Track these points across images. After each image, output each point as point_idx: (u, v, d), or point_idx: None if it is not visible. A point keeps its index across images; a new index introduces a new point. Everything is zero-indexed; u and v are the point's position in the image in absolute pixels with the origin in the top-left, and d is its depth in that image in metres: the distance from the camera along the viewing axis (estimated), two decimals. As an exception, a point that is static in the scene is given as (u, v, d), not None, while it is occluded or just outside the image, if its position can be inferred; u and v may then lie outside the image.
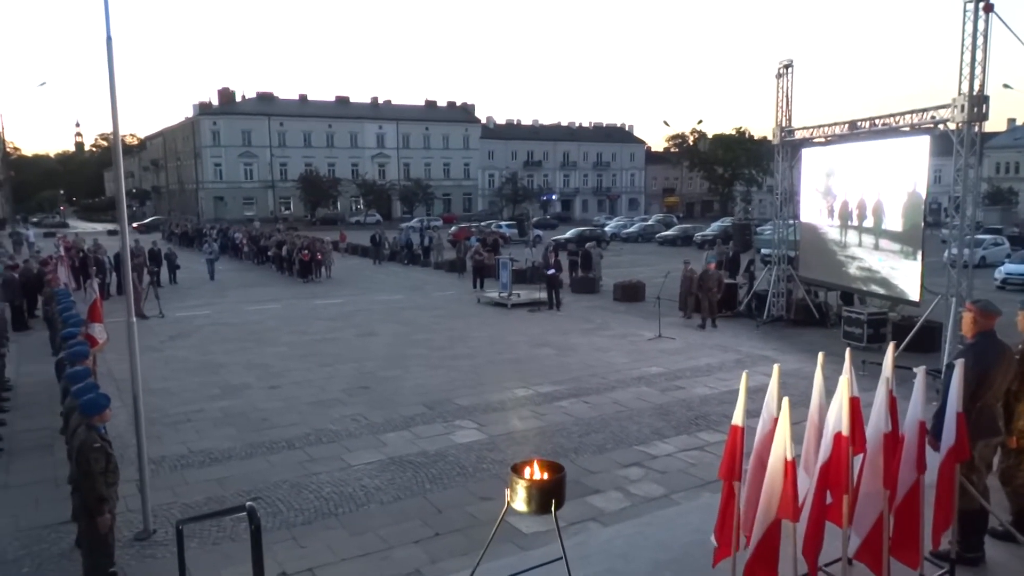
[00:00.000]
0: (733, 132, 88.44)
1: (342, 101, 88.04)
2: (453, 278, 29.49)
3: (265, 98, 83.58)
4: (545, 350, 15.35)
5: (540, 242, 40.36)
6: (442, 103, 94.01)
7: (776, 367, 4.52)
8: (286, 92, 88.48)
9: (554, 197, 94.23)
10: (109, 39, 6.40)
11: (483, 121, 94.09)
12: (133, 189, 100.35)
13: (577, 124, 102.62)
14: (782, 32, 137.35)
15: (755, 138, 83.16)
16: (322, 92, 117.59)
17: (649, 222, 61.30)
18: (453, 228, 50.89)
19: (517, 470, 4.02)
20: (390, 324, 18.70)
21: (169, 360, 14.68)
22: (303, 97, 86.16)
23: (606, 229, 55.80)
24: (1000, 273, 27.40)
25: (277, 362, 14.40)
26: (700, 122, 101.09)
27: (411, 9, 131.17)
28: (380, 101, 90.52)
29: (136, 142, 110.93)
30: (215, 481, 8.27)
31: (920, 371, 4.60)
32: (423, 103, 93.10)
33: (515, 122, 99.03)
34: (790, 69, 18.34)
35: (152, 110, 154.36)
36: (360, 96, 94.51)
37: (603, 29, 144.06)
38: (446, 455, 9.01)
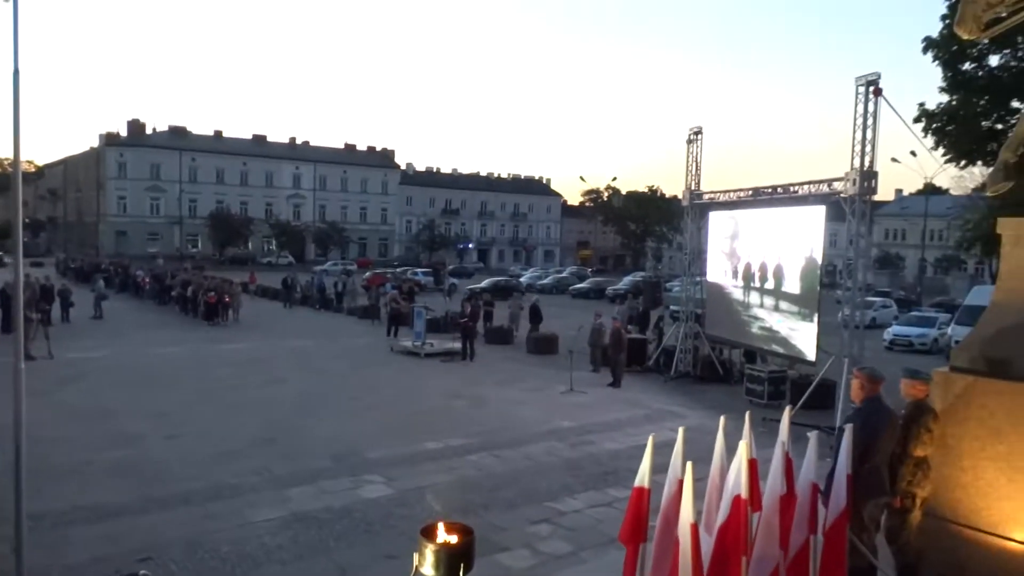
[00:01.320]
0: (646, 190, 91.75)
1: (259, 139, 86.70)
2: (366, 325, 29.09)
3: (178, 132, 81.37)
4: (458, 402, 15.28)
5: (456, 291, 40.40)
6: (362, 147, 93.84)
7: (681, 430, 4.66)
8: (201, 127, 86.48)
9: (471, 246, 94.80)
10: (16, 72, 6.15)
11: (403, 167, 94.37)
12: (27, 219, 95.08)
13: (496, 175, 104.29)
14: (694, 99, 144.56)
15: (667, 196, 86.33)
16: (239, 129, 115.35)
17: (563, 274, 62.39)
18: (368, 273, 50.36)
19: (426, 533, 3.98)
20: (299, 371, 18.23)
21: (57, 406, 13.79)
22: (218, 133, 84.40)
23: (522, 280, 56.40)
24: (888, 335, 29.11)
25: (177, 410, 13.77)
26: (615, 179, 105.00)
27: (333, 51, 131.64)
28: (298, 141, 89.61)
29: (33, 169, 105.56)
30: (102, 539, 7.78)
31: (813, 435, 4.84)
32: (342, 146, 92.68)
33: (435, 169, 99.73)
34: (700, 136, 19.28)
35: (53, 137, 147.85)
36: (278, 135, 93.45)
37: (524, 83, 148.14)
38: (352, 511, 8.77)
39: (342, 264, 64.30)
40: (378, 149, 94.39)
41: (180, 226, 78.35)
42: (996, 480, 5.36)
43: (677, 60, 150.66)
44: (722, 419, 5.06)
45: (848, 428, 4.87)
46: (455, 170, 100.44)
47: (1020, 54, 19.96)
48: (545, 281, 58.05)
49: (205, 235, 77.18)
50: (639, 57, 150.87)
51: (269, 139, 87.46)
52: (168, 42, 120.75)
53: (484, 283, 47.33)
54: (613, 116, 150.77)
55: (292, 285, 36.82)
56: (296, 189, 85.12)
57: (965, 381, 5.62)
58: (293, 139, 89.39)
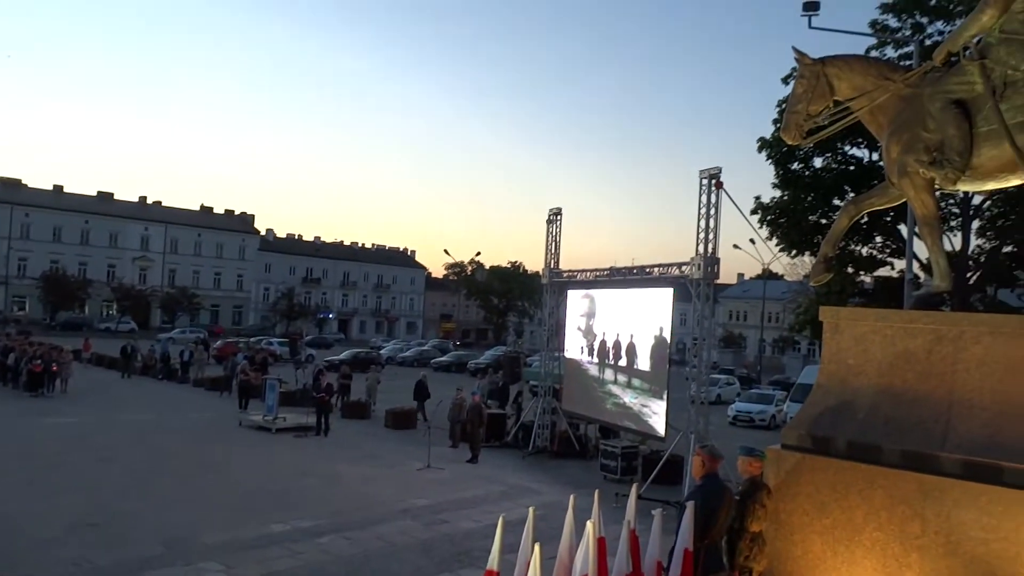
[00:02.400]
0: (509, 265, 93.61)
1: (105, 196, 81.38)
2: (214, 397, 27.45)
3: (10, 184, 74.96)
4: (308, 480, 14.57)
5: (313, 362, 39.07)
6: (220, 210, 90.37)
7: (531, 510, 4.66)
8: (38, 180, 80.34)
9: (331, 316, 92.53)
10: None
11: (262, 233, 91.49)
12: None
13: (360, 244, 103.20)
14: (556, 178, 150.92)
15: (529, 272, 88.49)
16: (82, 185, 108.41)
17: (425, 347, 61.98)
18: (219, 342, 47.81)
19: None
20: (134, 448, 16.81)
21: None
22: (58, 188, 78.68)
23: (382, 352, 55.47)
24: (732, 411, 30.82)
25: (-17, 492, 12.27)
26: (479, 254, 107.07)
27: (191, 108, 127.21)
28: (149, 201, 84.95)
29: None
30: None
31: (657, 513, 4.98)
32: (198, 208, 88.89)
33: (296, 237, 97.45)
34: (559, 216, 20.05)
35: None
36: (127, 194, 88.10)
37: (390, 155, 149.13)
38: (184, 603, 8.05)
39: (192, 332, 60.72)
40: (237, 213, 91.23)
41: (6, 287, 71.55)
42: (823, 553, 5.69)
43: (538, 140, 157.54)
44: (572, 497, 5.12)
45: (689, 505, 5.05)
46: (318, 238, 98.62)
47: (839, 158, 22.39)
48: (407, 354, 57.39)
49: (35, 297, 70.82)
50: (503, 136, 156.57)
51: (116, 197, 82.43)
52: (3, 84, 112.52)
53: (343, 355, 46.14)
54: (479, 191, 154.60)
55: (132, 353, 34.22)
56: (144, 251, 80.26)
57: (794, 458, 6.00)
58: (143, 198, 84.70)
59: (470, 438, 18.01)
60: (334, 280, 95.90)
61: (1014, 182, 6.03)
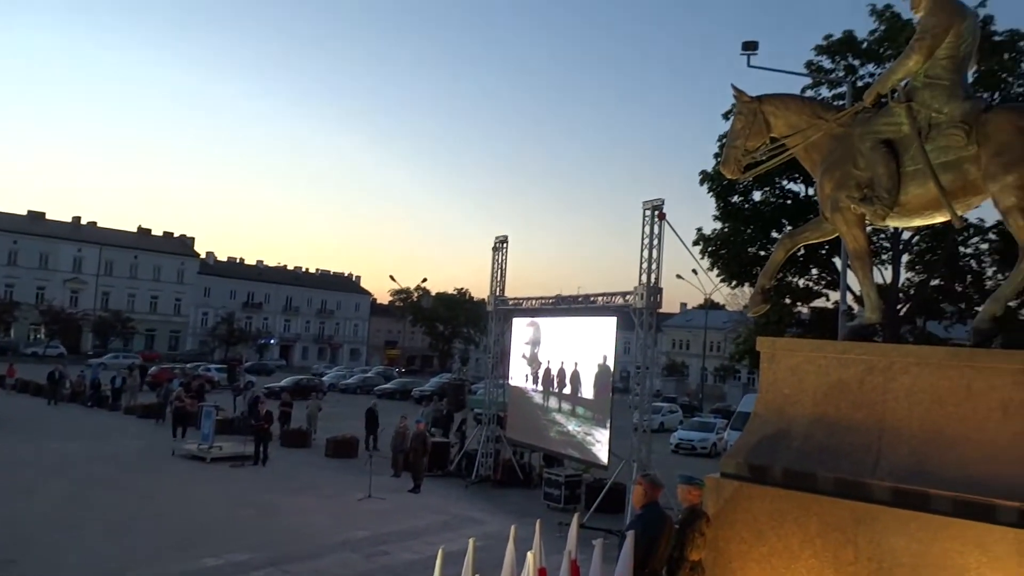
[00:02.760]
0: (455, 292, 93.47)
1: (35, 216, 78.42)
2: (148, 425, 26.51)
3: (-66, 203, 71.91)
4: (244, 511, 14.15)
5: (252, 388, 38.11)
6: (158, 232, 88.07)
7: (471, 541, 4.60)
8: (-36, 200, 76.99)
9: (273, 341, 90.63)
10: None
11: (202, 256, 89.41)
12: None
13: (304, 269, 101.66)
14: (503, 206, 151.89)
15: (475, 299, 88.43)
16: (11, 204, 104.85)
17: (369, 374, 61.17)
18: (154, 368, 46.31)
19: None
20: (57, 479, 16.07)
21: None
22: (-15, 207, 75.56)
23: (324, 379, 54.53)
24: (674, 439, 31.14)
25: None
26: (425, 280, 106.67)
27: (129, 127, 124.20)
28: (83, 221, 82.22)
29: None
30: None
31: (598, 543, 4.97)
32: (135, 229, 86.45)
33: (238, 260, 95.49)
34: (505, 244, 20.13)
35: None
36: (59, 213, 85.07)
37: (333, 177, 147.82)
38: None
39: (125, 357, 58.68)
40: (176, 235, 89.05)
41: (-79, 309, 68.19)
42: (760, 580, 5.75)
43: (486, 167, 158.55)
44: (512, 528, 5.08)
45: (630, 534, 5.07)
46: (260, 262, 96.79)
47: (777, 192, 23.12)
48: (350, 380, 56.55)
49: (-44, 321, 67.66)
50: (450, 163, 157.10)
51: (48, 216, 79.59)
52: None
53: (284, 381, 45.21)
54: (426, 217, 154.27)
55: (60, 379, 32.81)
56: (76, 273, 77.48)
57: (733, 486, 6.07)
58: (77, 218, 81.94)
59: (412, 467, 17.76)
60: (276, 305, 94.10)
61: (939, 219, 6.30)
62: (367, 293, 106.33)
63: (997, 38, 20.17)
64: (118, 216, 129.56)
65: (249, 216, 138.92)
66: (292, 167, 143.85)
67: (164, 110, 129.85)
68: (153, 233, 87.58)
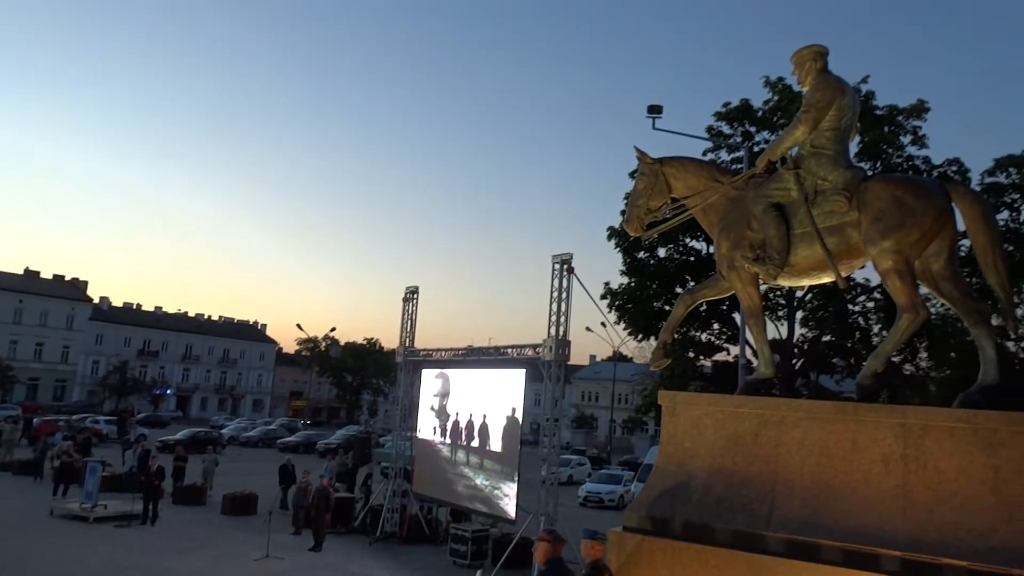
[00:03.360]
0: (364, 342, 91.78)
1: (-93, 257, 73.03)
2: (24, 483, 24.57)
3: None
4: (129, 575, 13.22)
5: (144, 441, 36.07)
6: (47, 275, 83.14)
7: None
8: None
9: (169, 392, 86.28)
10: None
11: (96, 301, 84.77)
12: None
13: (206, 316, 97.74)
14: (414, 258, 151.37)
15: (385, 350, 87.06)
16: None
17: (272, 426, 58.93)
18: (36, 420, 43.20)
19: None
20: (-83, 543, 14.65)
21: None
22: None
23: (223, 431, 52.14)
24: (582, 491, 31.15)
25: None
26: (333, 329, 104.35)
27: (16, 162, 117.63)
28: (-37, 263, 76.85)
29: None
30: None
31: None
32: (21, 271, 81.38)
33: (135, 306, 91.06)
34: (415, 295, 20.02)
35: None
36: (-65, 254, 79.49)
37: (239, 222, 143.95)
38: None
39: (2, 409, 54.54)
40: (67, 279, 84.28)
41: None
42: (661, 635, 5.77)
43: (397, 219, 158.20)
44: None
45: (533, 592, 5.01)
46: (159, 308, 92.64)
47: (681, 249, 23.99)
48: (251, 433, 54.21)
49: None
50: (361, 214, 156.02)
51: (-78, 257, 74.19)
52: None
53: (180, 434, 42.97)
54: (335, 266, 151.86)
55: (-73, 433, 30.15)
56: (-48, 318, 72.14)
57: (635, 540, 6.12)
58: (-44, 260, 76.75)
59: (314, 524, 17.09)
60: (174, 353, 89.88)
61: (826, 279, 6.67)
62: (273, 342, 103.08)
63: (878, 112, 21.83)
64: (3, 258, 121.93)
65: (149, 261, 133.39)
66: (194, 210, 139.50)
67: (51, 144, 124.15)
68: (42, 276, 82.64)
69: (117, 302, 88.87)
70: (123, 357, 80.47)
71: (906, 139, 22.14)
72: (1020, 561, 4.81)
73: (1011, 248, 20.87)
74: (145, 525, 18.04)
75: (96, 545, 15.65)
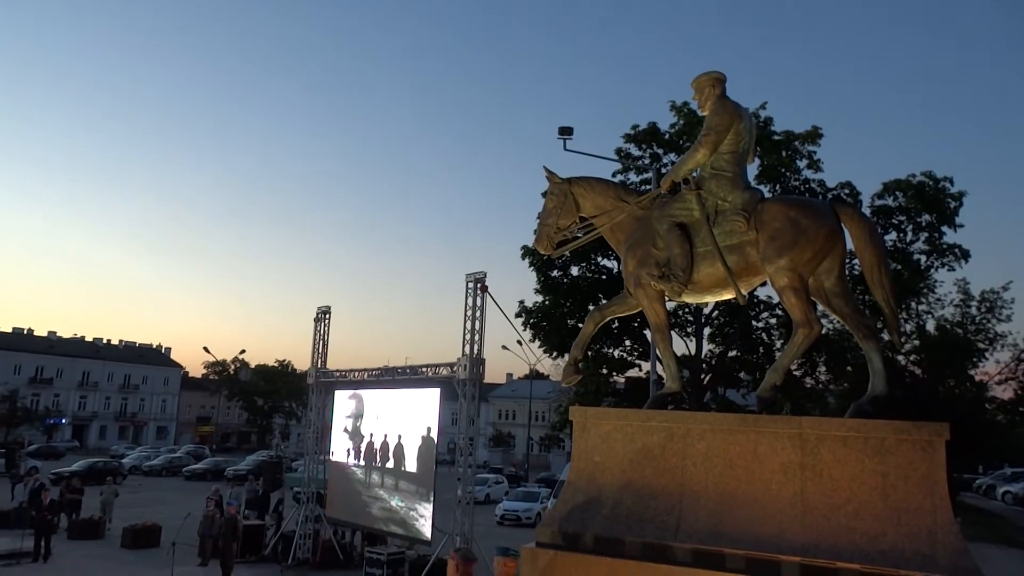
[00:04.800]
0: (276, 364, 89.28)
1: None
2: None
3: None
4: (15, 618, 12.36)
5: (36, 474, 33.87)
6: (-74, 299, 77.57)
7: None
8: None
9: (63, 421, 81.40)
10: None
11: (-19, 326, 79.42)
12: None
13: (105, 340, 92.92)
14: (325, 278, 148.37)
15: (298, 371, 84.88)
16: None
17: (177, 453, 56.40)
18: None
19: None
20: None
21: None
22: None
23: (124, 461, 49.56)
24: (500, 510, 31.07)
25: None
26: (243, 352, 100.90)
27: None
28: None
29: None
30: None
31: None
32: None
33: (25, 331, 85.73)
34: (327, 315, 19.64)
35: None
36: None
37: (138, 242, 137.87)
38: None
39: None
40: (-51, 303, 78.80)
41: None
42: (574, 650, 5.81)
43: (309, 237, 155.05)
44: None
45: (444, 613, 4.97)
46: (52, 333, 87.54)
47: (593, 267, 24.44)
48: (155, 461, 51.72)
49: None
50: (269, 232, 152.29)
51: None
52: None
53: (76, 465, 40.58)
54: (243, 286, 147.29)
55: None
56: None
57: (548, 556, 6.15)
58: None
59: (222, 554, 16.41)
60: (70, 380, 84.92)
61: (727, 296, 6.93)
62: (178, 366, 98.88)
63: (776, 138, 22.92)
64: None
65: (39, 282, 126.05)
66: (91, 230, 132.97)
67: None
68: (-80, 299, 76.93)
69: (5, 327, 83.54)
70: (13, 385, 75.46)
71: (802, 163, 23.31)
72: (908, 563, 5.10)
73: (897, 267, 22.25)
74: (37, 563, 16.95)
75: (-21, 587, 14.59)
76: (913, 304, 26.60)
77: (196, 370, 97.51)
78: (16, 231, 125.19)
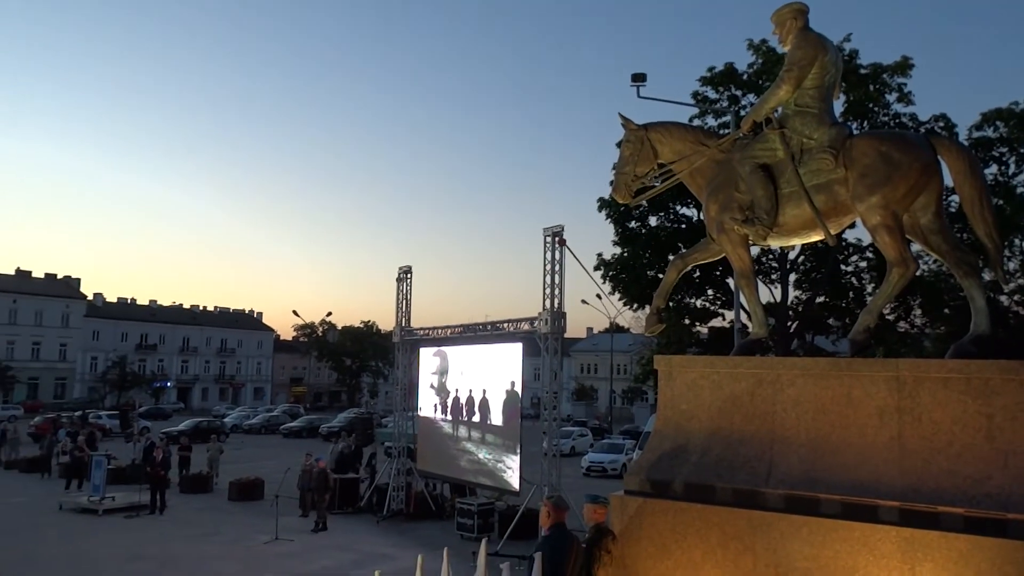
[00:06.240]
0: (361, 325, 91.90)
1: (-99, 262, 72.54)
2: (32, 480, 24.71)
3: None
4: (140, 564, 13.37)
5: (147, 434, 36.20)
6: (39, 274, 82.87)
7: (376, 574, 4.52)
8: None
9: (169, 384, 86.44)
10: None
11: (90, 298, 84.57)
12: None
13: (202, 307, 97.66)
14: (407, 237, 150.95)
15: (382, 332, 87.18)
16: None
17: (274, 413, 59.20)
18: (38, 418, 43.35)
19: None
20: (-72, 544, 14.77)
21: None
22: None
23: (226, 420, 52.39)
24: (585, 462, 31.44)
25: None
26: (330, 314, 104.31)
27: (6, 166, 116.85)
28: (-44, 266, 76.48)
29: None
30: None
31: (505, 567, 4.97)
32: (13, 272, 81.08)
33: (129, 301, 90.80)
34: (409, 275, 20.02)
35: None
36: (-73, 258, 79.12)
37: (230, 212, 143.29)
38: None
39: (6, 409, 54.67)
40: (59, 277, 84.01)
41: None
42: (666, 594, 5.88)
43: (387, 197, 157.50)
44: (419, 558, 5.02)
45: (537, 556, 5.10)
46: (153, 302, 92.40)
47: (672, 217, 24.00)
48: (254, 420, 54.52)
49: None
50: (351, 195, 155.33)
51: (-85, 261, 73.70)
52: None
53: (182, 425, 43.17)
54: (329, 250, 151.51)
55: (-69, 435, 30.25)
56: (-51, 321, 71.89)
57: (637, 503, 6.21)
58: (-53, 262, 76.15)
59: (315, 506, 17.26)
60: (172, 346, 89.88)
61: (815, 238, 6.70)
62: (270, 330, 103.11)
63: (863, 71, 21.75)
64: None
65: (140, 256, 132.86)
66: (184, 202, 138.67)
67: (38, 144, 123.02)
68: (34, 275, 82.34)
69: (111, 298, 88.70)
70: (121, 352, 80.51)
71: (891, 97, 22.10)
72: (1015, 506, 4.91)
73: (1000, 202, 20.97)
74: (154, 515, 18.21)
75: (107, 536, 15.80)
76: (1017, 241, 25.09)
77: (286, 333, 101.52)
78: (111, 207, 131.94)
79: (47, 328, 78.65)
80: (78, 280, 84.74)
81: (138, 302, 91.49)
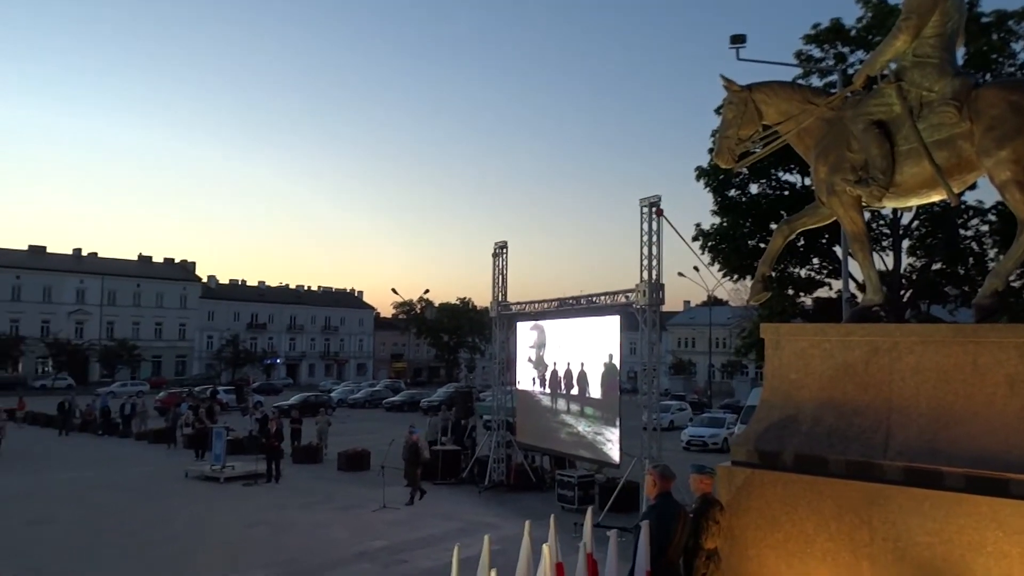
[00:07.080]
0: (458, 302, 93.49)
1: (36, 251, 78.67)
2: (160, 451, 26.54)
3: (-65, 241, 72.01)
4: (259, 529, 14.15)
5: (261, 408, 38.13)
6: (159, 259, 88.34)
7: (487, 539, 4.61)
8: (-35, 236, 77.03)
9: (279, 361, 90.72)
10: None
11: (204, 280, 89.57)
12: None
13: (306, 287, 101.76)
14: (501, 213, 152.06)
15: (478, 308, 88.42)
16: (12, 240, 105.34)
17: (377, 388, 61.19)
18: (162, 393, 46.45)
19: None
20: (73, 507, 16.11)
21: None
22: (-13, 244, 75.81)
23: (332, 395, 54.58)
24: (685, 436, 31.06)
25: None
26: (427, 291, 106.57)
27: (124, 157, 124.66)
28: (84, 253, 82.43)
29: None
30: None
31: (612, 534, 4.98)
32: (136, 257, 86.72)
33: (239, 282, 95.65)
34: (505, 250, 20.14)
35: None
36: (60, 246, 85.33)
37: (330, 194, 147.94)
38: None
39: (133, 385, 58.81)
40: (177, 261, 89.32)
41: (-67, 346, 68.28)
42: (777, 567, 5.75)
43: (482, 174, 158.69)
44: (527, 524, 5.09)
45: (644, 525, 5.08)
46: (262, 283, 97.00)
47: (774, 184, 23.11)
48: (358, 395, 56.60)
49: (-35, 358, 67.66)
50: (444, 172, 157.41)
51: (49, 250, 79.81)
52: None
53: (292, 399, 45.25)
54: (424, 228, 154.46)
55: (70, 409, 32.93)
56: (80, 304, 77.66)
57: (744, 474, 6.08)
58: (78, 250, 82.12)
59: (407, 477, 17.56)
60: (280, 325, 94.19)
61: (934, 198, 6.31)
62: (370, 308, 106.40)
63: (985, 19, 20.18)
64: (119, 245, 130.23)
65: (248, 238, 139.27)
66: (288, 187, 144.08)
67: (155, 139, 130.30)
68: (154, 260, 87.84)
69: (223, 280, 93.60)
70: (234, 331, 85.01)
71: (1018, 46, 20.44)
72: None
73: None
74: (270, 483, 19.23)
75: (229, 502, 16.81)
76: None
77: (386, 311, 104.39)
78: (224, 193, 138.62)
79: (167, 309, 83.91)
80: (193, 264, 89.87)
81: (247, 283, 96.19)
